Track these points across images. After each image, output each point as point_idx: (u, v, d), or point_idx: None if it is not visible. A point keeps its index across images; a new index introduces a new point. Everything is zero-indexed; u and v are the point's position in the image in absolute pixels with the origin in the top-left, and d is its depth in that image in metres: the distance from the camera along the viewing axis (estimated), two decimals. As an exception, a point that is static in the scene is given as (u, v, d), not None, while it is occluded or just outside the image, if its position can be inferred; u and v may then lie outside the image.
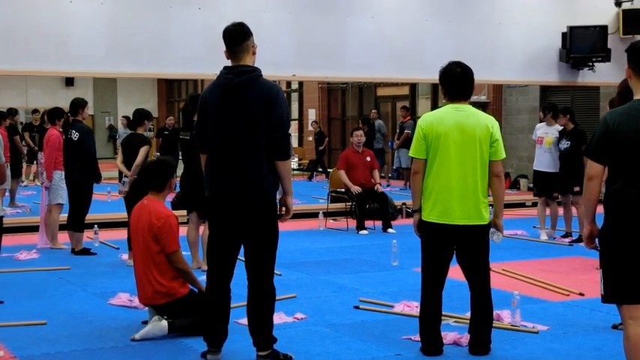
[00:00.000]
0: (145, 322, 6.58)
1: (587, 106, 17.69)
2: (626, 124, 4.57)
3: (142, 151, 9.59)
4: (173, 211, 7.28)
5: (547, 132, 11.54)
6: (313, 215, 13.39)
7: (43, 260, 9.98)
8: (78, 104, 10.48)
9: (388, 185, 19.19)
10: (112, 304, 7.60)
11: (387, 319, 7.03)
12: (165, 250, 6.45)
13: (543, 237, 11.71)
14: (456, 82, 5.92)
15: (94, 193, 10.76)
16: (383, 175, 19.63)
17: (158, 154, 18.36)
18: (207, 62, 11.89)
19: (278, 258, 5.74)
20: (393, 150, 19.94)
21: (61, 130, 10.77)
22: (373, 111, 21.34)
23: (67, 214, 10.59)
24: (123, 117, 21.97)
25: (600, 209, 4.61)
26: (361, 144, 13.02)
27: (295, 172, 22.59)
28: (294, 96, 26.40)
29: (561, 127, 11.37)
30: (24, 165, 16.65)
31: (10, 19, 11.49)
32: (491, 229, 5.96)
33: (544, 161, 11.53)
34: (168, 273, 6.48)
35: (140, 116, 9.96)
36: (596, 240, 4.78)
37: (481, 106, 18.20)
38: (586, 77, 15.57)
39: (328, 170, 20.04)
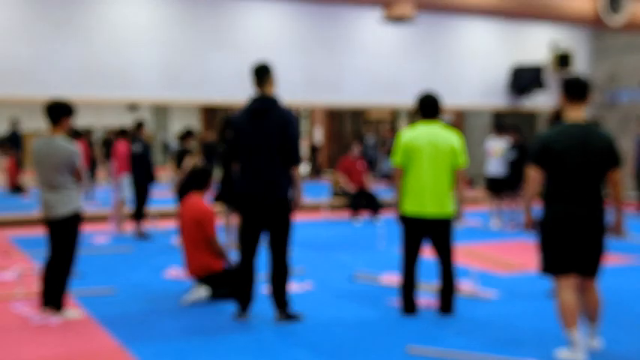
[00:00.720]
0: (191, 291, 6.58)
1: (526, 126, 17.61)
2: (557, 140, 4.65)
3: (188, 160, 9.60)
4: (212, 205, 7.28)
5: (497, 144, 11.55)
6: (318, 208, 13.36)
7: (113, 243, 9.99)
8: (140, 124, 10.55)
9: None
10: (165, 277, 7.61)
11: (376, 288, 7.01)
12: (206, 235, 6.46)
13: (494, 225, 11.71)
14: (428, 106, 5.93)
15: (153, 191, 10.77)
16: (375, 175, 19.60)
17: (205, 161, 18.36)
18: (238, 92, 11.92)
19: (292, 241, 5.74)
20: (379, 158, 19.91)
21: (127, 143, 10.81)
22: (369, 133, 21.39)
23: (131, 208, 10.60)
24: (176, 135, 22.03)
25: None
26: (359, 154, 13.23)
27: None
28: (305, 115, 26.36)
29: (503, 140, 11.42)
30: (100, 169, 16.67)
31: (90, 54, 11.48)
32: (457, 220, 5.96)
33: (494, 167, 11.51)
34: (207, 252, 6.49)
35: (188, 134, 10.04)
36: (533, 226, 4.85)
37: (449, 123, 18.15)
38: (526, 103, 15.54)
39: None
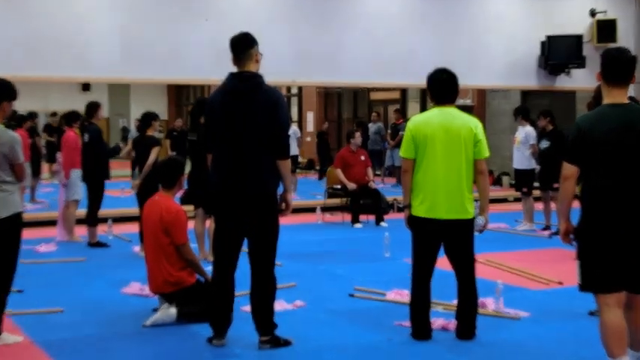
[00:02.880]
0: (156, 310, 6.55)
1: (564, 109, 17.65)
2: (596, 126, 4.60)
3: (154, 151, 9.58)
4: (182, 206, 7.24)
5: (519, 133, 11.70)
6: (311, 210, 13.36)
7: (61, 252, 9.95)
8: (92, 107, 10.47)
9: (382, 182, 19.16)
10: (124, 292, 7.57)
11: (380, 306, 7.01)
12: (175, 242, 6.43)
13: (523, 229, 11.76)
14: (442, 87, 5.91)
15: (108, 190, 10.74)
16: (379, 173, 19.58)
17: (174, 153, 18.31)
18: (214, 69, 11.83)
19: (279, 249, 5.73)
20: (386, 150, 19.91)
21: (77, 131, 10.77)
22: (374, 114, 21.16)
23: (83, 210, 10.57)
24: (137, 119, 21.93)
25: (576, 205, 4.60)
26: (359, 144, 13.16)
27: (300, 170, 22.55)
28: (294, 100, 26.36)
29: (525, 130, 11.54)
30: (43, 164, 16.62)
31: (32, 30, 11.46)
32: (476, 219, 5.93)
33: (515, 159, 11.75)
34: (177, 264, 6.46)
35: (148, 118, 9.90)
36: (571, 236, 4.77)
37: (466, 109, 18.13)
38: (563, 82, 15.57)
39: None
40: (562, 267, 8.56)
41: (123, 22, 12.07)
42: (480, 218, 5.93)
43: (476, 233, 5.95)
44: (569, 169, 4.67)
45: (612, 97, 4.68)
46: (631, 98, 6.20)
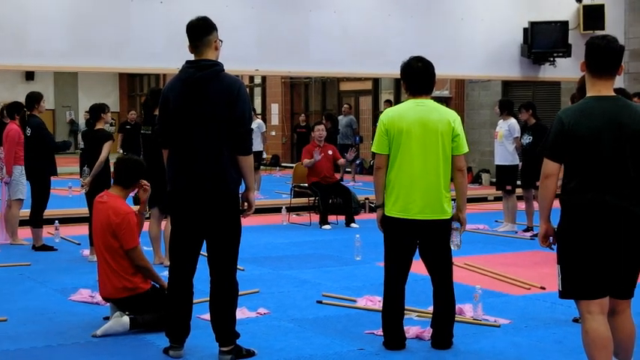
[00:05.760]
0: (107, 319, 6.54)
1: (548, 101, 17.84)
2: (581, 122, 4.56)
3: (106, 147, 9.43)
4: (134, 207, 7.23)
5: (501, 126, 11.79)
6: (276, 210, 13.38)
7: (3, 256, 9.87)
8: (33, 98, 10.37)
9: (353, 180, 19.23)
10: (72, 300, 7.54)
11: (350, 314, 7.04)
12: (124, 247, 6.41)
13: (503, 230, 11.88)
14: (417, 77, 5.93)
15: (55, 189, 10.66)
16: (349, 170, 19.62)
17: (121, 150, 18.23)
18: (169, 57, 11.82)
19: (241, 253, 5.74)
20: (357, 144, 19.96)
21: (20, 124, 10.68)
22: (345, 105, 21.17)
23: (27, 210, 10.51)
24: (86, 112, 21.79)
25: (557, 204, 4.63)
26: (322, 138, 12.99)
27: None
28: (257, 90, 26.36)
29: (509, 123, 11.65)
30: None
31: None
32: (453, 234, 5.94)
33: (497, 155, 11.86)
34: (129, 268, 6.44)
35: (97, 110, 9.69)
36: (550, 239, 4.77)
37: (443, 100, 18.28)
38: (547, 72, 15.71)
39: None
40: (545, 271, 8.65)
41: (69, 3, 11.99)
42: (455, 242, 5.93)
43: (453, 249, 5.95)
44: (550, 167, 4.65)
45: (597, 89, 4.65)
46: (620, 90, 6.25)
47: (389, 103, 19.70)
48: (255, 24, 13.15)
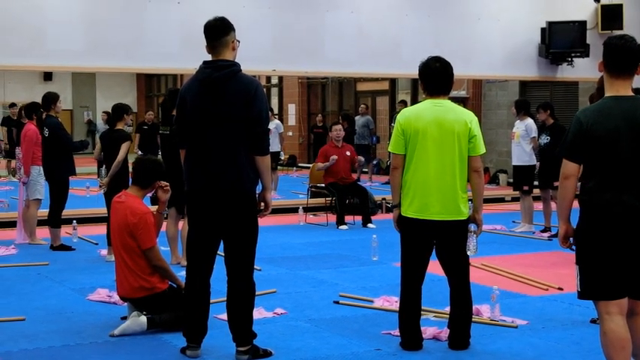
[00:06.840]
0: (124, 318, 6.56)
1: (566, 101, 17.79)
2: (599, 122, 4.56)
3: (124, 147, 9.44)
4: (152, 207, 7.25)
5: (517, 127, 11.77)
6: (293, 210, 13.39)
7: (21, 256, 9.93)
8: (49, 98, 10.38)
9: (370, 180, 19.21)
10: (90, 299, 7.57)
11: (366, 314, 7.04)
12: (141, 247, 6.43)
13: (521, 231, 11.85)
14: (435, 77, 5.92)
15: (73, 189, 10.70)
16: (367, 170, 19.60)
17: (139, 151, 18.29)
18: (185, 57, 11.87)
19: (258, 253, 5.75)
20: (374, 145, 19.94)
21: (37, 125, 10.73)
22: (362, 105, 21.11)
23: (45, 210, 10.55)
24: (104, 112, 21.82)
25: (576, 204, 4.62)
26: (340, 138, 13.00)
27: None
28: (274, 91, 26.38)
29: (526, 123, 11.62)
30: (1, 160, 16.56)
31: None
32: (468, 238, 5.92)
33: (514, 155, 11.85)
34: (146, 268, 6.46)
35: (120, 111, 9.70)
36: (571, 239, 4.76)
37: (460, 101, 18.24)
38: (565, 72, 15.65)
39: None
40: (562, 271, 8.62)
41: (86, 3, 12.04)
42: (470, 248, 5.90)
43: (468, 254, 5.93)
44: (569, 167, 4.64)
45: (615, 89, 4.65)
46: (639, 90, 6.23)
47: (403, 104, 19.61)
48: (271, 24, 13.17)
